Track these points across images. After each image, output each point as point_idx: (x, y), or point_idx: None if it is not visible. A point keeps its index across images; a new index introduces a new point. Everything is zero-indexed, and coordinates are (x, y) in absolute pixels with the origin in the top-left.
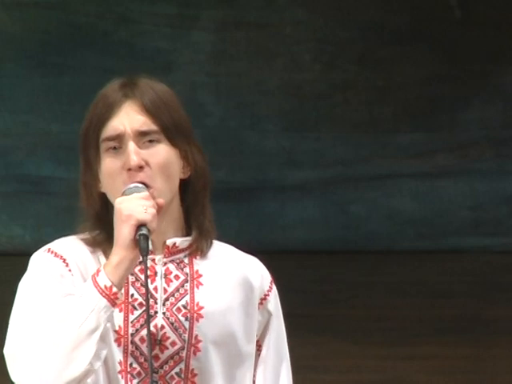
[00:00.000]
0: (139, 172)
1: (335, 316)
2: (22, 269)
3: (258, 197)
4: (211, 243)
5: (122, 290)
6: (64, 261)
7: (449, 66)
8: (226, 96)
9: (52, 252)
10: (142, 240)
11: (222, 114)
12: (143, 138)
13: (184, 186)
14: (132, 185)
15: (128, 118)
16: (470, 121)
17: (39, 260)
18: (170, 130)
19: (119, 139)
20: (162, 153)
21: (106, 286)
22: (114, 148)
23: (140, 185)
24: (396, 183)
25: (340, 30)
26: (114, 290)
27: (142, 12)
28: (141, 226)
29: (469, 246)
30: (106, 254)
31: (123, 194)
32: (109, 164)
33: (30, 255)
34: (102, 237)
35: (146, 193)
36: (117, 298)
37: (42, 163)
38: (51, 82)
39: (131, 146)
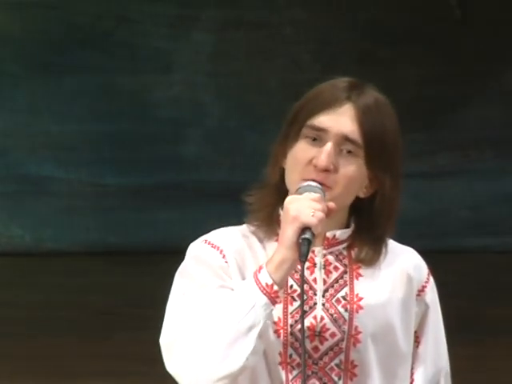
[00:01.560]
0: (323, 173)
1: None
2: (23, 270)
3: None
4: (379, 248)
5: (289, 285)
6: (221, 252)
7: (449, 66)
8: (226, 96)
9: (209, 243)
10: (303, 244)
11: (221, 114)
12: (344, 144)
13: (361, 203)
14: (306, 183)
15: (340, 120)
16: (469, 121)
17: (197, 251)
18: (373, 151)
19: (322, 134)
20: (353, 168)
21: (267, 284)
22: (314, 139)
23: (315, 184)
24: None
25: (340, 30)
26: (275, 288)
27: (142, 12)
28: (305, 229)
29: (469, 246)
30: (261, 242)
31: (297, 191)
32: (301, 150)
33: (29, 255)
34: (260, 225)
35: (317, 195)
36: (277, 297)
37: (41, 163)
38: (51, 82)
39: (329, 145)
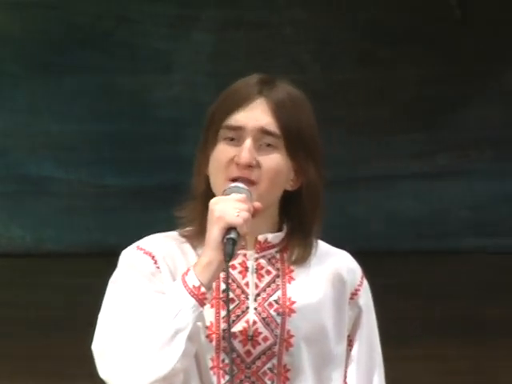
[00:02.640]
0: (247, 169)
1: None
2: (23, 270)
3: None
4: (309, 246)
5: (221, 290)
6: (153, 258)
7: (449, 66)
8: None
9: (141, 249)
10: (227, 244)
11: None
12: (263, 138)
13: (290, 197)
14: (233, 184)
15: (254, 115)
16: (469, 121)
17: (129, 257)
18: (292, 140)
19: (239, 132)
20: (276, 160)
21: (194, 286)
22: (232, 139)
23: (241, 185)
24: (396, 184)
25: (340, 30)
26: (203, 289)
27: (142, 12)
28: (230, 229)
29: (469, 247)
30: (195, 248)
31: (224, 192)
32: (221, 152)
33: (29, 256)
34: (191, 231)
35: (243, 195)
36: (205, 298)
37: (41, 163)
38: (51, 82)
39: (248, 142)
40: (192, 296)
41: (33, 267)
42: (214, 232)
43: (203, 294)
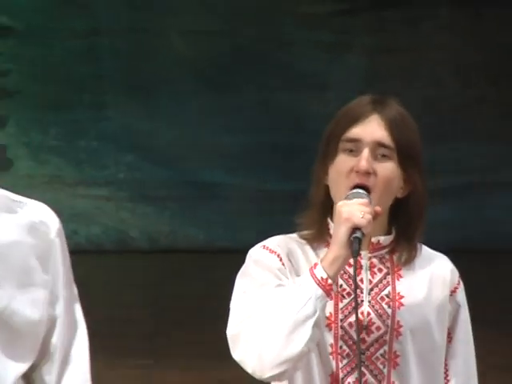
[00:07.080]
0: (365, 176)
1: None
2: (197, 265)
3: None
4: (414, 248)
5: (339, 284)
6: (278, 256)
7: None
8: None
9: (267, 248)
10: (354, 242)
11: None
12: (378, 150)
13: (398, 204)
14: (355, 190)
15: (371, 129)
16: None
17: (256, 255)
18: (403, 152)
19: (357, 144)
20: (390, 169)
21: (322, 278)
22: (351, 151)
23: (362, 191)
24: None
25: (477, 52)
26: (330, 282)
27: (300, 38)
28: (356, 229)
29: None
30: (314, 250)
31: (346, 197)
32: (341, 162)
33: (202, 252)
34: (310, 235)
35: (365, 200)
36: (331, 290)
37: (213, 171)
38: (218, 99)
39: (365, 152)
40: (320, 287)
41: (205, 262)
42: (341, 231)
43: (330, 285)
